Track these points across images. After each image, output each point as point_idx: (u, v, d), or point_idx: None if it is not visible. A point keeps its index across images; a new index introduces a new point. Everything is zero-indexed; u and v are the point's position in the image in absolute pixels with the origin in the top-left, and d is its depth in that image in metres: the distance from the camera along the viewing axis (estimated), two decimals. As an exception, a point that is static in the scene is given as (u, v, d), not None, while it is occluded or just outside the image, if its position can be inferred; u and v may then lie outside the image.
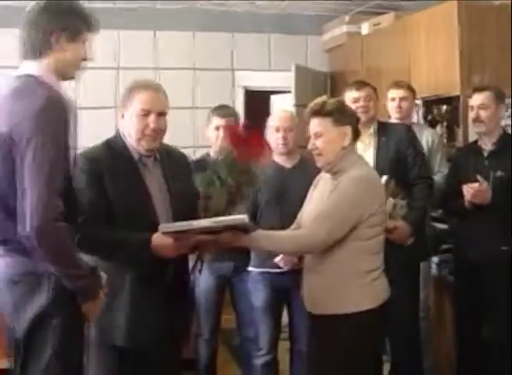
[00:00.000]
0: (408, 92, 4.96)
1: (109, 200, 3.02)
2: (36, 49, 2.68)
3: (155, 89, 3.12)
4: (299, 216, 3.49)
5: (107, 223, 3.02)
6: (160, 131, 3.09)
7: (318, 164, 3.26)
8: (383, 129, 4.40)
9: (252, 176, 3.12)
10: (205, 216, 2.98)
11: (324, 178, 3.36)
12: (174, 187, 3.14)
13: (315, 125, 3.22)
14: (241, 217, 2.91)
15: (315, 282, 3.20)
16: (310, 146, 3.24)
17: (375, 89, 4.54)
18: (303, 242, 3.13)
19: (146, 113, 3.04)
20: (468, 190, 4.14)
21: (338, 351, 3.09)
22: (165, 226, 2.89)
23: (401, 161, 4.27)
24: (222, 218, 2.94)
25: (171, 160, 3.24)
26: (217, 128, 4.48)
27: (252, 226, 3.06)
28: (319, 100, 3.26)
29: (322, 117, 3.19)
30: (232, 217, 2.96)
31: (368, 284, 3.11)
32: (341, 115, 3.20)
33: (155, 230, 2.93)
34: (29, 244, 2.49)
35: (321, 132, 3.19)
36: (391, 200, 4.04)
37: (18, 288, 2.66)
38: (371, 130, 4.37)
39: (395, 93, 4.93)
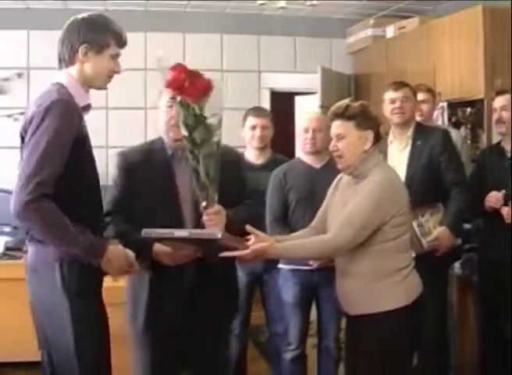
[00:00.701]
0: (428, 95, 5.02)
1: (136, 193, 3.19)
2: (66, 60, 2.90)
3: None
4: (318, 215, 3.55)
5: (132, 215, 3.19)
6: None
7: (339, 166, 3.28)
8: (420, 132, 4.40)
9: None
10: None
11: (345, 180, 3.39)
12: None
13: (337, 127, 3.24)
14: (214, 232, 2.92)
15: (348, 284, 3.24)
16: (331, 147, 3.27)
17: (414, 90, 4.49)
18: (328, 248, 3.18)
19: (171, 105, 3.15)
20: (490, 199, 4.26)
21: (376, 350, 3.13)
22: (145, 231, 2.93)
23: (434, 166, 4.29)
24: (197, 231, 3.03)
25: None
26: (252, 127, 4.64)
27: (228, 238, 2.98)
28: (343, 103, 3.27)
29: (345, 120, 3.21)
30: (206, 231, 3.00)
31: (399, 282, 3.15)
32: (364, 119, 3.21)
33: (179, 224, 3.10)
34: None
35: (343, 134, 3.21)
36: (414, 224, 4.16)
37: (37, 276, 2.83)
38: (409, 133, 4.39)
39: None
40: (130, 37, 7.38)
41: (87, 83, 2.93)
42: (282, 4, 5.12)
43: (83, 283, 2.78)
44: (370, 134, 3.21)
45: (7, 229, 5.21)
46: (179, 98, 2.96)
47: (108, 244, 2.82)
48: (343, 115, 3.21)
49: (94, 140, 7.60)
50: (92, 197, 2.91)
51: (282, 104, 7.62)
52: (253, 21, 7.63)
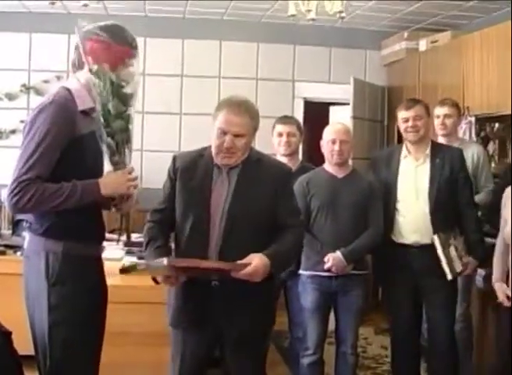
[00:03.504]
0: (453, 109, 5.06)
1: (175, 196, 3.29)
2: (76, 66, 3.04)
3: (237, 112, 3.18)
4: None
5: (167, 218, 3.32)
6: (235, 150, 3.18)
7: None
8: (437, 150, 4.45)
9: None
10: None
11: None
12: (238, 197, 3.20)
13: None
14: (161, 260, 3.02)
15: None
16: None
17: (426, 107, 4.52)
18: None
19: (223, 132, 3.18)
20: None
21: None
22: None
23: (452, 184, 4.36)
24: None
25: (256, 171, 3.26)
26: (279, 134, 4.79)
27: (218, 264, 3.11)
28: None
29: None
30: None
31: None
32: None
33: (204, 233, 3.18)
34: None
35: None
36: (451, 247, 4.27)
37: (28, 263, 3.00)
38: (427, 151, 4.43)
39: (439, 110, 5.07)
40: (169, 43, 7.57)
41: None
42: (313, 16, 5.19)
43: (64, 274, 2.88)
44: None
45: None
46: (95, 67, 2.91)
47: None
48: None
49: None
50: None
51: (316, 113, 7.64)
52: (288, 31, 7.70)
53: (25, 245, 3.05)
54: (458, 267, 4.32)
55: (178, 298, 3.29)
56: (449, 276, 4.28)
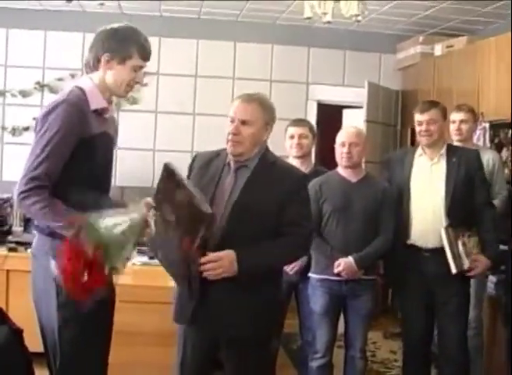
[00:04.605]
0: (468, 115, 5.05)
1: None
2: (91, 66, 3.07)
3: (247, 99, 3.22)
4: None
5: None
6: (241, 139, 3.16)
7: None
8: (453, 151, 4.41)
9: None
10: None
11: None
12: (242, 198, 3.15)
13: None
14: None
15: None
16: None
17: (443, 110, 4.47)
18: None
19: (231, 120, 3.20)
20: None
21: None
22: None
23: (469, 183, 4.31)
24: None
25: (269, 174, 3.23)
26: (291, 137, 4.77)
27: None
28: None
29: None
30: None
31: None
32: None
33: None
34: None
35: None
36: (459, 242, 4.23)
37: (35, 262, 3.03)
38: (442, 151, 4.38)
39: (455, 116, 5.04)
40: (183, 43, 7.57)
41: (107, 90, 3.07)
42: (329, 19, 5.18)
43: None
44: None
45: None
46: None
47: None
48: None
49: (143, 143, 7.77)
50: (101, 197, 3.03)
51: (330, 116, 7.65)
52: (303, 33, 7.68)
53: (33, 243, 3.08)
54: (466, 264, 4.25)
55: (179, 295, 3.27)
56: (454, 270, 4.22)
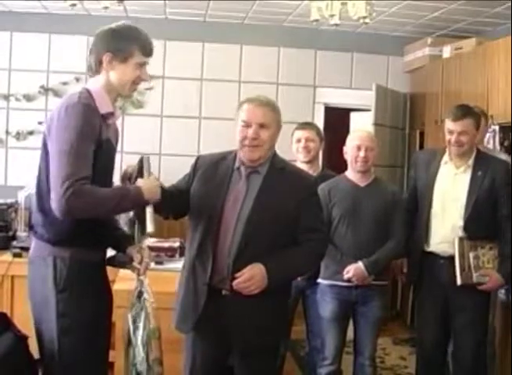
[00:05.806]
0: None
1: (189, 194, 3.26)
2: (93, 68, 3.03)
3: (260, 102, 3.18)
4: None
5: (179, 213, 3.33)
6: (260, 143, 3.14)
7: None
8: (482, 160, 4.27)
9: None
10: None
11: None
12: (257, 208, 3.12)
13: None
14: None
15: None
16: None
17: (477, 117, 4.31)
18: None
19: (246, 124, 3.15)
20: None
21: None
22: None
23: (492, 196, 4.19)
24: None
25: (280, 181, 3.20)
26: (298, 140, 4.73)
27: None
28: None
29: None
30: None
31: None
32: None
33: (215, 234, 3.12)
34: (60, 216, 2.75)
35: None
36: (471, 254, 4.15)
37: (33, 269, 2.99)
38: (470, 162, 4.26)
39: None
40: (189, 46, 7.54)
41: (113, 91, 3.03)
42: (336, 21, 5.12)
43: (72, 279, 2.87)
44: None
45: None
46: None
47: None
48: None
49: (148, 147, 7.73)
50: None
51: (337, 119, 7.60)
52: (310, 35, 7.62)
53: (30, 250, 3.03)
54: (475, 278, 4.18)
55: (183, 303, 3.25)
56: (459, 282, 4.16)
